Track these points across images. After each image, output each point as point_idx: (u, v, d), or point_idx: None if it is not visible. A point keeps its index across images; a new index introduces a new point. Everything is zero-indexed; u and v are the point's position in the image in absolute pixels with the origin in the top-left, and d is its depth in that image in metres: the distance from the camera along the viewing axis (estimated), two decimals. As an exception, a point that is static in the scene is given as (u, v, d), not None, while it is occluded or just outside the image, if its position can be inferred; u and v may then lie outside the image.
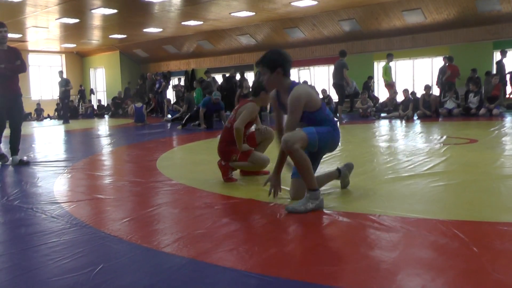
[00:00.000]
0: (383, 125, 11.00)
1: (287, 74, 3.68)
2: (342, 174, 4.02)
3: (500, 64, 14.17)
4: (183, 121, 12.14)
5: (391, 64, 14.76)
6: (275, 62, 3.62)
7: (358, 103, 14.73)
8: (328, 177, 4.04)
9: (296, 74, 21.37)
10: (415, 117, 12.83)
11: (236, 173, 4.98)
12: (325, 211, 3.42)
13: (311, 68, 20.80)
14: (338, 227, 3.13)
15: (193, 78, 22.68)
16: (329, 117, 3.73)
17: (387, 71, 14.34)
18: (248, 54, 22.58)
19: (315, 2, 15.98)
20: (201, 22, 19.02)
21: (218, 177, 4.83)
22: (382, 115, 13.88)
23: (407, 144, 7.36)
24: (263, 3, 15.93)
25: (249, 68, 21.77)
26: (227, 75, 18.04)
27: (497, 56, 16.15)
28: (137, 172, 5.65)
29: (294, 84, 3.66)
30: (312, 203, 3.43)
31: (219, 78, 20.05)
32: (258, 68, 3.72)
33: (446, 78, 14.50)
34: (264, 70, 3.67)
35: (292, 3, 15.97)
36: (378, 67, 19.27)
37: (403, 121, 11.94)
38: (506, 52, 14.18)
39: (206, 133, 10.20)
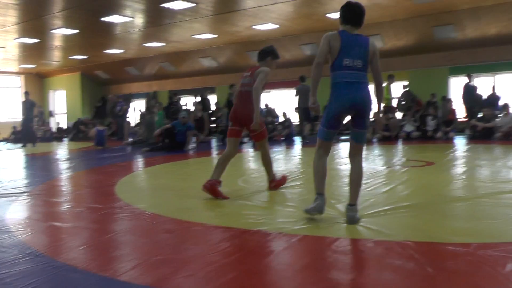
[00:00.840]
0: (343, 148, 11.16)
1: (344, 22, 3.94)
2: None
3: (468, 87, 14.49)
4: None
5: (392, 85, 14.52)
6: (340, 11, 3.99)
7: (318, 126, 14.90)
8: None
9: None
10: (375, 140, 13.08)
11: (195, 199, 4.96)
12: (284, 234, 3.45)
13: (272, 91, 20.99)
14: (297, 251, 3.16)
15: (150, 100, 22.58)
16: (340, 76, 3.85)
17: (388, 92, 14.39)
18: (210, 77, 22.61)
19: (277, 26, 16.22)
20: (163, 44, 19.01)
21: (178, 202, 4.81)
22: (342, 137, 14.08)
23: (366, 166, 7.48)
24: (225, 25, 16.07)
25: (211, 91, 21.83)
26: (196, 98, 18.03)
27: (452, 81, 16.91)
28: (96, 197, 5.56)
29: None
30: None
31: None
32: None
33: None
34: None
35: (254, 27, 16.16)
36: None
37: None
38: (471, 76, 14.59)
39: (167, 157, 10.13)
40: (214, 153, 11.30)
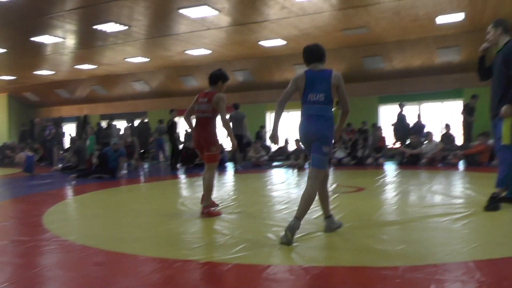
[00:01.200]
0: (275, 174, 11.29)
1: (307, 63, 4.47)
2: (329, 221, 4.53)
3: (400, 116, 15.06)
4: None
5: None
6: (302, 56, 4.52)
7: (251, 152, 15.05)
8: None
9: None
10: (306, 166, 13.31)
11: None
12: (216, 263, 3.43)
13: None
14: (228, 280, 3.16)
15: (85, 125, 21.99)
16: (304, 110, 4.36)
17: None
18: (142, 101, 22.38)
19: (209, 52, 16.35)
20: (95, 66, 18.70)
21: (109, 232, 4.67)
22: (274, 163, 14.26)
23: (298, 193, 7.59)
24: (158, 50, 16.04)
25: (141, 115, 21.53)
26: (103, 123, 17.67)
27: (381, 109, 17.90)
28: (22, 229, 5.28)
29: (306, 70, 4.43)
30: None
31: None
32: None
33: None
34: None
35: (186, 52, 16.21)
36: (271, 117, 19.98)
37: (295, 170, 12.35)
38: (404, 104, 15.21)
39: (98, 184, 9.84)
40: (145, 179, 11.13)
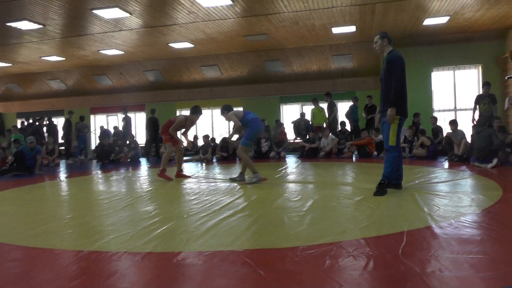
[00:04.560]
0: (185, 168, 11.18)
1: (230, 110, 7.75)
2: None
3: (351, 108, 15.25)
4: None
5: (323, 105, 15.00)
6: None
7: (162, 148, 14.81)
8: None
9: (105, 120, 20.74)
10: (214, 160, 13.35)
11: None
12: (129, 253, 3.35)
13: (119, 115, 20.42)
14: (141, 268, 3.08)
15: (2, 124, 20.67)
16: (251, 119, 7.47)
17: (316, 115, 14.67)
18: (58, 99, 21.25)
19: (122, 52, 15.89)
20: (10, 64, 17.43)
21: (25, 228, 4.38)
22: (184, 158, 14.14)
23: (206, 184, 7.59)
24: (73, 49, 15.29)
25: (58, 113, 20.55)
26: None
27: (284, 108, 18.36)
28: None
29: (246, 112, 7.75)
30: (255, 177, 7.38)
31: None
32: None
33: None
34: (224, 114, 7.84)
35: (100, 51, 15.63)
36: (180, 114, 19.77)
37: (204, 164, 12.32)
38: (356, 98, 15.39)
39: (14, 182, 9.15)
40: (63, 176, 10.59)
